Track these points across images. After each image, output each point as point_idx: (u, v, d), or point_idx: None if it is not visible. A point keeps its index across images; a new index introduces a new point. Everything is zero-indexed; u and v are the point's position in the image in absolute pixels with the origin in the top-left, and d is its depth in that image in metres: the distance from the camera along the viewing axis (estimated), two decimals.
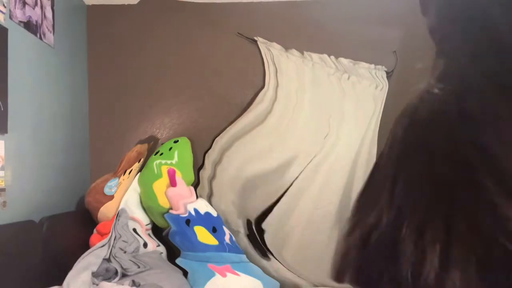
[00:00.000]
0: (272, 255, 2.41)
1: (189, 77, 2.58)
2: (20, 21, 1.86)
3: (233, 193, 2.44)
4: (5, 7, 1.73)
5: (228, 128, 2.50)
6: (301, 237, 2.41)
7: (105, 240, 1.88)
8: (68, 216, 2.07)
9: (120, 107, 2.58)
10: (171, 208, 2.13)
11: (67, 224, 2.01)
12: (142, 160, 2.32)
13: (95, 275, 1.71)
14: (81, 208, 2.27)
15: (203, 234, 2.01)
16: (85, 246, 1.98)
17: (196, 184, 2.43)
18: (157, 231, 2.29)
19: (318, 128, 2.49)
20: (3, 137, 1.69)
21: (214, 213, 2.17)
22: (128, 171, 2.22)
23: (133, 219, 2.12)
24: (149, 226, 2.23)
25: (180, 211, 2.07)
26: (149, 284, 1.73)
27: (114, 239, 1.88)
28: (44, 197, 1.99)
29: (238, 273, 1.96)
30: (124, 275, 1.83)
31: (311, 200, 2.43)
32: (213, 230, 2.04)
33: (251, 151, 2.48)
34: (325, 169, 2.46)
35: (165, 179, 2.16)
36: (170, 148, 2.25)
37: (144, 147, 2.37)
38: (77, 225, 2.10)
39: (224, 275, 1.97)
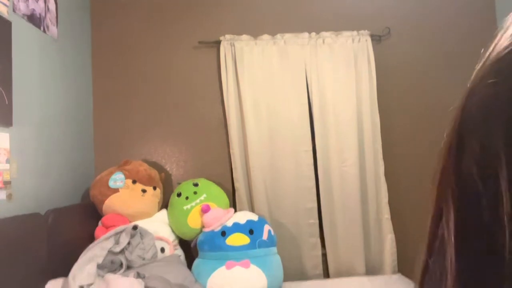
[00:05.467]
0: None
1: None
2: (24, 14, 1.86)
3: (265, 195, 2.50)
4: (8, 0, 1.73)
5: (232, 150, 2.51)
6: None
7: (110, 233, 1.89)
8: (73, 208, 2.08)
9: (125, 99, 2.59)
10: (203, 227, 2.17)
11: (72, 217, 2.02)
12: (158, 189, 2.31)
13: (100, 267, 1.73)
14: (86, 200, 2.29)
15: (234, 238, 2.06)
16: (90, 239, 2.00)
17: (234, 205, 2.47)
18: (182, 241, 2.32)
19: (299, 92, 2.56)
20: (8, 130, 1.70)
21: (255, 218, 2.21)
22: (138, 184, 2.21)
23: (160, 239, 2.14)
24: (176, 242, 2.25)
25: (213, 227, 2.11)
26: (153, 276, 1.74)
27: (129, 245, 1.89)
28: (50, 190, 2.00)
29: (251, 266, 1.98)
30: (129, 267, 1.85)
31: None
32: (250, 232, 2.09)
33: (265, 154, 2.51)
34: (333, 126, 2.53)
35: (196, 209, 2.20)
36: (195, 192, 2.26)
37: (156, 175, 2.35)
38: (82, 218, 2.11)
39: (230, 267, 1.98)
